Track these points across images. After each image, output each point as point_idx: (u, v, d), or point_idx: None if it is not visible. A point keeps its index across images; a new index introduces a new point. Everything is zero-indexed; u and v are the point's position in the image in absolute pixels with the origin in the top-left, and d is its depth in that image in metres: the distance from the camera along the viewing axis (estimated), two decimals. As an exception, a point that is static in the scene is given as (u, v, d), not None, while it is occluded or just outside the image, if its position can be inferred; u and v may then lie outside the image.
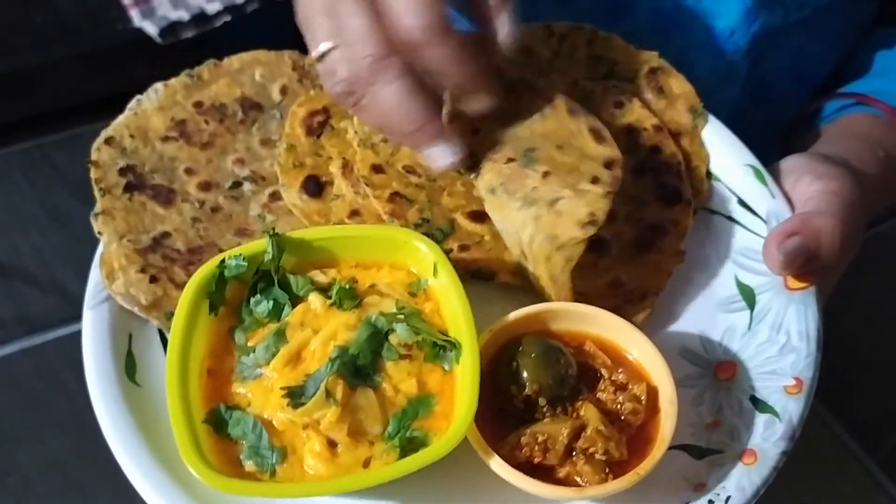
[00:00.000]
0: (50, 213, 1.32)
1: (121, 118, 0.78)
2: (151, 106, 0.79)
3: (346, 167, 0.75)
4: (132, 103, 0.79)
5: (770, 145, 0.82)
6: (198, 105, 0.80)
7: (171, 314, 0.67)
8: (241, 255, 0.63)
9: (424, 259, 0.64)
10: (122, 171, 0.75)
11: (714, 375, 0.66)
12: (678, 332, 0.69)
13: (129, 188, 0.74)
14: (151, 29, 1.17)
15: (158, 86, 0.80)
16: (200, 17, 1.19)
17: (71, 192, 1.31)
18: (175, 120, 0.78)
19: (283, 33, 0.79)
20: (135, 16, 1.20)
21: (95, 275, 0.70)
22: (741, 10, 0.87)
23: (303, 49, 0.72)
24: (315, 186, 0.74)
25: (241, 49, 1.20)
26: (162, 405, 0.64)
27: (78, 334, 1.43)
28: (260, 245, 0.64)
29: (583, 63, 0.81)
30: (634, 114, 0.77)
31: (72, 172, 1.29)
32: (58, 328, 1.45)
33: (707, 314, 0.69)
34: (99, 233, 0.71)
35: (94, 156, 0.75)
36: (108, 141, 0.76)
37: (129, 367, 0.66)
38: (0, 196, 1.26)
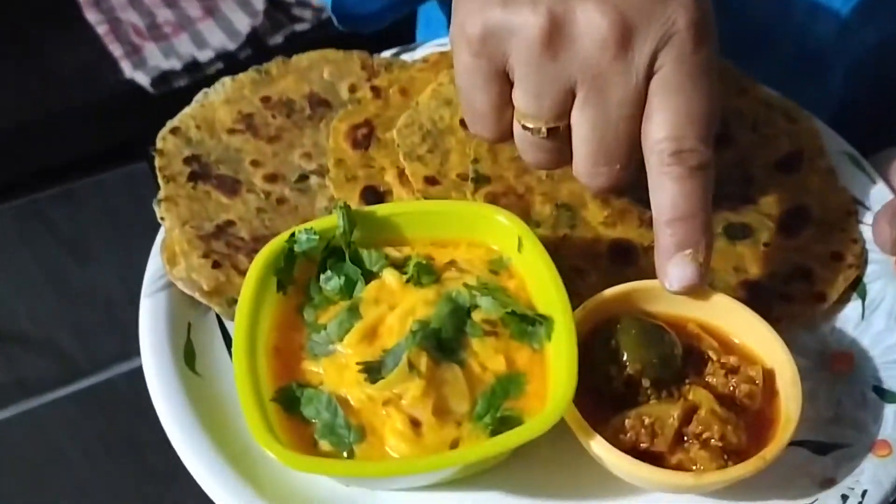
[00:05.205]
0: (46, 273, 1.27)
1: (187, 109, 0.75)
2: (218, 99, 0.77)
3: (403, 176, 0.71)
4: (199, 96, 0.77)
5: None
6: (265, 100, 0.77)
7: (233, 301, 0.63)
8: (311, 228, 0.59)
9: (506, 234, 0.59)
10: (187, 161, 0.72)
11: (829, 368, 0.60)
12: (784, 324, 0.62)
13: (193, 177, 0.71)
14: (143, 79, 1.16)
15: (226, 80, 0.78)
16: (192, 66, 1.17)
17: (67, 251, 1.27)
18: (242, 113, 0.76)
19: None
20: (126, 67, 1.18)
21: (154, 262, 0.67)
22: None
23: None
24: (374, 197, 0.70)
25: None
26: (223, 395, 0.60)
27: (74, 396, 1.36)
28: (330, 220, 0.60)
29: None
30: None
31: (67, 230, 1.25)
32: (54, 391, 1.39)
33: (815, 305, 0.64)
34: (161, 218, 0.68)
35: (159, 144, 0.73)
36: (174, 131, 0.74)
37: (188, 357, 0.62)
38: (-3, 256, 1.22)
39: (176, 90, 1.15)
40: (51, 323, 1.31)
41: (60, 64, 1.18)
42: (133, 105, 1.17)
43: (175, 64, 1.14)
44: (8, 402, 1.35)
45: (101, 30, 1.21)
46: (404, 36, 1.17)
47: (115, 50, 1.18)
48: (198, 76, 1.15)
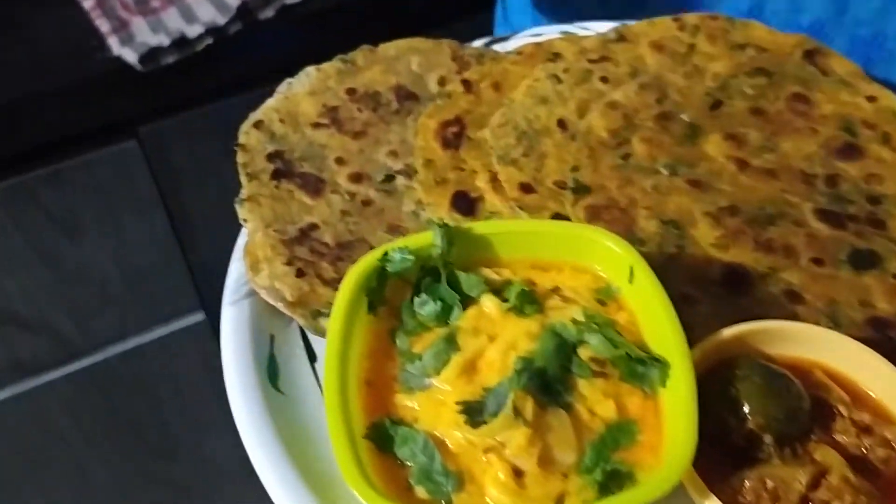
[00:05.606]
0: (37, 253, 1.24)
1: (270, 101, 0.72)
2: (302, 90, 0.73)
3: (496, 181, 0.67)
4: (282, 87, 0.73)
5: None
6: (351, 92, 0.73)
7: (317, 312, 0.61)
8: (405, 247, 0.55)
9: (616, 261, 0.54)
10: (271, 157, 0.69)
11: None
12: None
13: (276, 175, 0.68)
14: (131, 56, 1.09)
15: (310, 69, 0.74)
16: (181, 42, 1.11)
17: (58, 230, 1.23)
18: (327, 106, 0.72)
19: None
20: (113, 44, 1.12)
21: (236, 268, 0.64)
22: None
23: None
24: (465, 204, 0.65)
25: (229, 72, 1.09)
26: (308, 418, 0.57)
27: (70, 376, 1.34)
28: (425, 238, 0.56)
29: (725, 54, 0.73)
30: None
31: (58, 211, 1.21)
32: (50, 372, 1.37)
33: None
34: (244, 220, 0.65)
35: (241, 139, 0.69)
36: (257, 125, 0.70)
37: (271, 372, 0.59)
38: (-15, 236, 1.19)
39: (164, 67, 1.10)
40: (45, 304, 1.29)
41: (46, 41, 1.14)
42: (121, 83, 1.12)
43: (163, 39, 1.08)
44: (3, 385, 1.35)
45: (88, 4, 1.16)
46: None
47: (102, 25, 1.13)
48: (187, 52, 1.09)
